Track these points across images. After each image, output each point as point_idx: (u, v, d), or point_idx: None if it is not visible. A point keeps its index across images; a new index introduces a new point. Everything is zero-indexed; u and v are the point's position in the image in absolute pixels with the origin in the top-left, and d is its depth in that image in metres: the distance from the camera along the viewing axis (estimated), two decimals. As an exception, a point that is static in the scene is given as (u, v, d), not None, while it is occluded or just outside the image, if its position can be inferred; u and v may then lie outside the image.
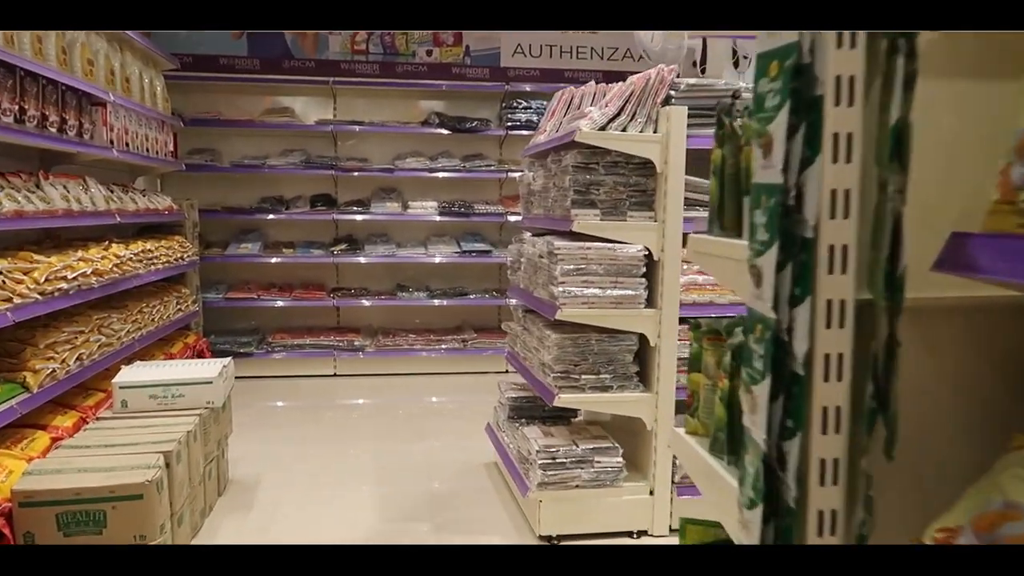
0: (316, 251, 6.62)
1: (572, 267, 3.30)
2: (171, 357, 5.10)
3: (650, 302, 3.39)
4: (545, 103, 6.74)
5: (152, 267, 4.86)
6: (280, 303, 6.50)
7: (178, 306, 5.46)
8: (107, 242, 4.38)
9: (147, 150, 5.15)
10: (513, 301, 4.48)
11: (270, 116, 6.53)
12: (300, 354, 6.48)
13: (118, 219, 4.45)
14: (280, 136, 6.83)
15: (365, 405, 5.86)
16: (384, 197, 6.82)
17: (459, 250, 6.76)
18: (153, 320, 4.91)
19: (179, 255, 5.46)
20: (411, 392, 6.22)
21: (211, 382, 3.58)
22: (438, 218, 6.68)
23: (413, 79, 6.70)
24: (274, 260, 6.49)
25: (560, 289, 3.29)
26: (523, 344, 3.92)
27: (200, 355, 5.73)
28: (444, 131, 6.64)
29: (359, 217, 6.58)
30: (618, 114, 3.32)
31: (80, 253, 3.84)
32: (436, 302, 6.72)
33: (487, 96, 7.03)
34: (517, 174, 6.76)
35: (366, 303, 6.67)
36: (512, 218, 6.72)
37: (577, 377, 3.36)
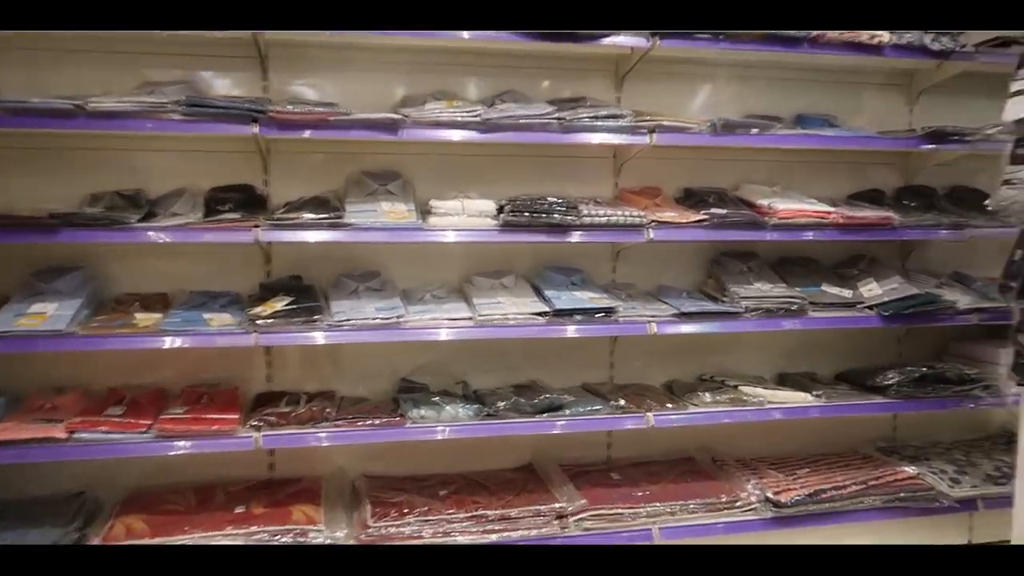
0: (216, 315, 2.81)
1: None
2: None
3: None
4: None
5: None
6: (130, 439, 2.66)
7: None
8: None
9: None
10: None
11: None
12: None
13: None
14: (131, 49, 3.00)
15: None
16: (375, 191, 3.05)
17: (543, 309, 3.01)
18: None
19: None
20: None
21: None
22: (495, 235, 2.94)
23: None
24: (116, 342, 2.67)
25: None
26: None
27: None
28: (519, 38, 2.88)
29: (317, 236, 2.80)
30: None
31: None
32: (494, 425, 2.96)
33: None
34: (667, 136, 3.06)
35: (331, 436, 2.85)
36: (655, 234, 3.02)
37: None
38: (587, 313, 3.00)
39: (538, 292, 3.15)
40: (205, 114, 2.67)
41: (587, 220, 2.97)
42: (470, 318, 2.94)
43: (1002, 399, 3.41)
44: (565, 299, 3.06)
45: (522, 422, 2.97)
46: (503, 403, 2.98)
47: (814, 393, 3.32)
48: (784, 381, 3.59)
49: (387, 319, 2.84)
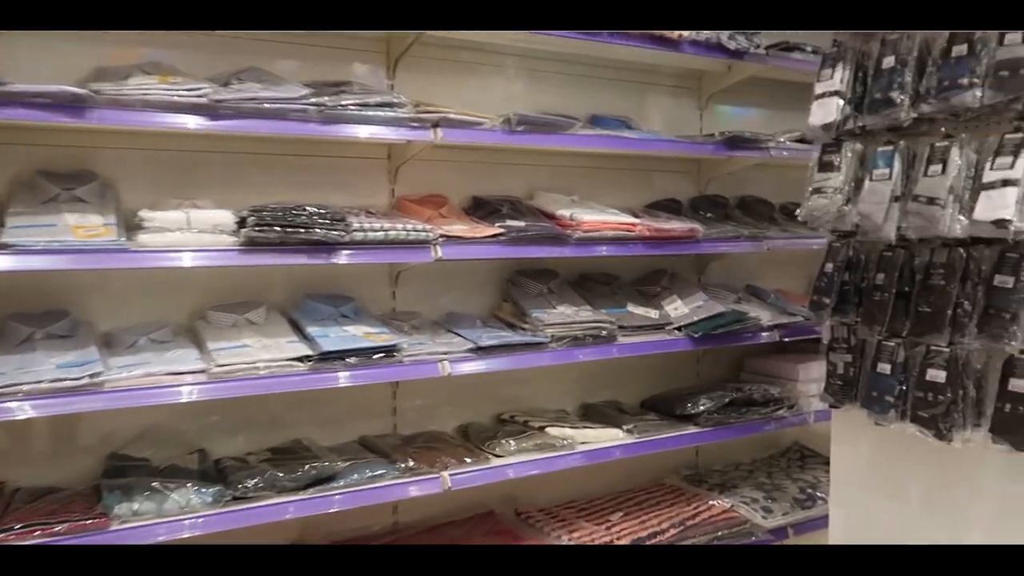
0: None
1: None
2: None
3: None
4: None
5: None
6: None
7: None
8: None
9: None
10: None
11: None
12: None
13: None
14: None
15: None
16: (55, 198, 2.17)
17: (305, 352, 2.31)
18: None
19: None
20: None
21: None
22: (236, 256, 2.21)
23: None
24: None
25: None
26: None
27: None
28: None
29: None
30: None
31: None
32: (243, 512, 2.21)
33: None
34: (454, 133, 2.52)
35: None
36: (445, 251, 2.46)
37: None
38: (363, 354, 2.35)
39: (298, 329, 2.45)
40: None
41: (359, 236, 2.32)
42: (203, 371, 2.16)
43: (803, 417, 3.28)
44: (334, 337, 2.39)
45: (282, 503, 2.25)
46: (253, 480, 2.23)
47: (625, 428, 2.93)
48: (589, 413, 3.20)
49: (76, 380, 1.98)
